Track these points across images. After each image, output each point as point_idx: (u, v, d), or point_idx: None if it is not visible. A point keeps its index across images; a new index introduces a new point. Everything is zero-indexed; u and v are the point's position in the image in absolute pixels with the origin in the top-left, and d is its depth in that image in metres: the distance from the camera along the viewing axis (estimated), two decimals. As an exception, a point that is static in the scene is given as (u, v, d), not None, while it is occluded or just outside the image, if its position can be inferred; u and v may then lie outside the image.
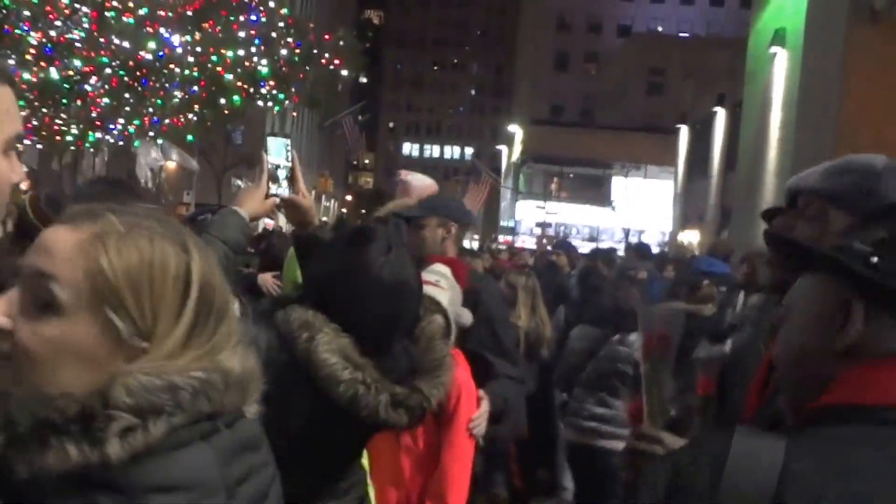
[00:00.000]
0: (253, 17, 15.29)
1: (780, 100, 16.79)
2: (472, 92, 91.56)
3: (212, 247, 1.67)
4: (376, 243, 1.65)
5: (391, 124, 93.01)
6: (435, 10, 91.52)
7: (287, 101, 16.78)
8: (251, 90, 13.92)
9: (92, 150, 11.93)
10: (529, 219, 40.27)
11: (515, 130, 44.70)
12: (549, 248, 12.47)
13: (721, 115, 23.14)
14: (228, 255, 1.77)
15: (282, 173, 1.93)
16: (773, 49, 16.87)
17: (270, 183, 1.90)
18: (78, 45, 9.71)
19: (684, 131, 28.71)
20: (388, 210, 3.08)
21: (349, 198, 79.95)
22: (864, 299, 0.93)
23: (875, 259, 0.93)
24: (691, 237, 26.59)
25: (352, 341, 1.60)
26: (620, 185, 40.36)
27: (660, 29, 52.27)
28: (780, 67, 16.80)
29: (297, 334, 1.57)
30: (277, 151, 1.95)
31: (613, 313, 4.65)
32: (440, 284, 2.34)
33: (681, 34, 50.24)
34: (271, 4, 16.04)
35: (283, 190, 1.94)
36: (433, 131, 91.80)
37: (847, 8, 13.31)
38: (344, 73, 16.59)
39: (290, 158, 1.96)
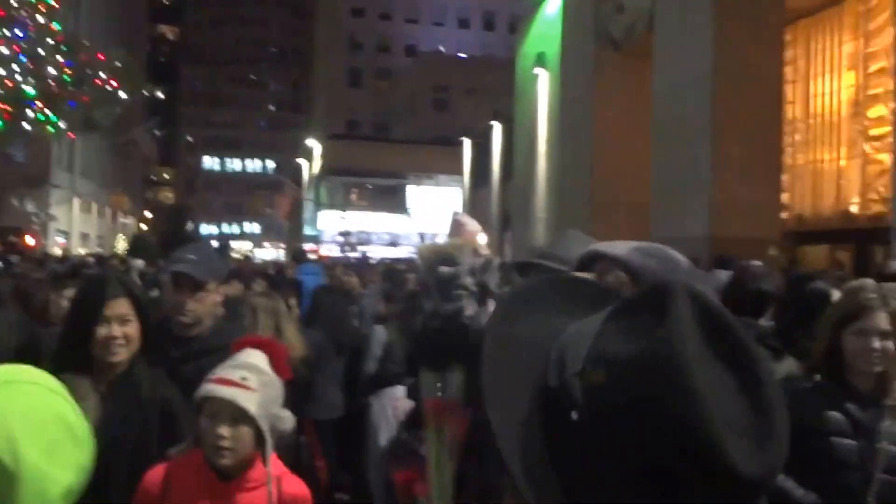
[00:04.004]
0: (19, 33, 13.46)
1: (544, 116, 17.57)
2: (271, 107, 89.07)
3: None
4: None
5: (190, 138, 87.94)
6: (230, 28, 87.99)
7: (63, 125, 14.87)
8: (16, 112, 12.15)
9: None
10: (332, 228, 40.79)
11: (314, 145, 44.03)
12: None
13: (497, 129, 24.02)
14: None
15: None
16: (537, 70, 17.65)
17: None
18: None
19: (467, 144, 29.57)
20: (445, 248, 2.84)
21: (148, 214, 74.51)
22: None
23: None
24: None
25: None
26: (415, 194, 41.54)
27: (442, 49, 53.87)
28: (544, 87, 17.61)
29: None
30: None
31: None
32: (247, 384, 1.74)
33: (460, 54, 52.34)
34: (40, 20, 14.19)
35: None
36: (233, 146, 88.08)
37: (592, 36, 14.11)
38: (123, 95, 15.03)
39: None
